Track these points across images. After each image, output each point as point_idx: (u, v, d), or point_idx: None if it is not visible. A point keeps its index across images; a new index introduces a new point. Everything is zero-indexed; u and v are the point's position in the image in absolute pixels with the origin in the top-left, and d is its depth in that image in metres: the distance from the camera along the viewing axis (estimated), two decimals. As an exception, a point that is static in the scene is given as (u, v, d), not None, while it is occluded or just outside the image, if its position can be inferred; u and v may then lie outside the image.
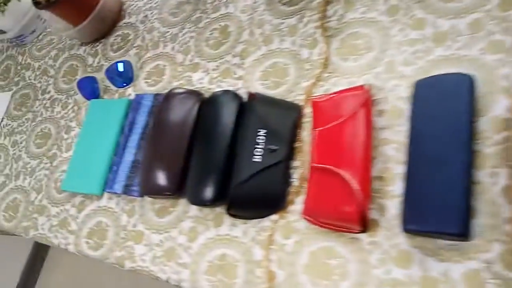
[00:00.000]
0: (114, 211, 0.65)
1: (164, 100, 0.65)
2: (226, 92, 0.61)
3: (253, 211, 0.53)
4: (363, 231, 0.45)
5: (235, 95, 0.59)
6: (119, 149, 0.68)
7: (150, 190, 0.60)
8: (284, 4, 0.66)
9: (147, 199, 0.63)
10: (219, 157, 0.55)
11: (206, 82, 0.67)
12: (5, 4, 0.76)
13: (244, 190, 0.51)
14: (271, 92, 0.60)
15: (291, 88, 0.59)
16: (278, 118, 0.54)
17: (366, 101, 0.48)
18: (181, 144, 0.59)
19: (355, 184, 0.44)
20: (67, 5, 0.77)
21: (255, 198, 0.52)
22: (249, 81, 0.63)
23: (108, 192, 0.66)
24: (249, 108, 0.56)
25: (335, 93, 0.51)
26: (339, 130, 0.48)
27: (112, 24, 0.84)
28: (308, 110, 0.56)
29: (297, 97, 0.58)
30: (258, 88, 0.62)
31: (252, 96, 0.58)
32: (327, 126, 0.48)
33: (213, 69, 0.68)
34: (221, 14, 0.72)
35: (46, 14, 0.83)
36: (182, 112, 0.62)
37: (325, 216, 0.47)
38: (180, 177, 0.58)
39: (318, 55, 0.58)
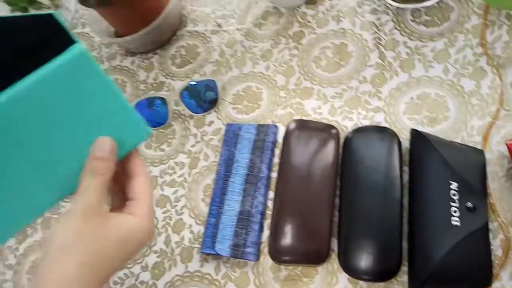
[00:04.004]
0: (214, 278, 0.49)
1: (287, 135, 0.51)
2: (376, 128, 0.49)
3: (450, 290, 0.41)
4: None
5: (390, 133, 0.48)
6: (214, 196, 0.53)
7: (284, 255, 0.45)
8: (420, 23, 0.55)
9: (265, 264, 0.48)
10: (390, 215, 0.42)
11: (325, 112, 0.54)
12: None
13: (447, 265, 0.39)
14: (427, 130, 0.49)
15: (456, 126, 0.48)
16: (466, 166, 0.43)
17: None
18: (325, 195, 0.46)
19: None
20: (128, 7, 0.60)
21: (457, 274, 0.39)
22: (393, 115, 0.51)
23: (205, 253, 0.50)
24: (426, 152, 0.44)
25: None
26: None
27: (171, 32, 0.68)
28: (490, 156, 0.46)
29: (469, 139, 0.47)
30: (408, 124, 0.50)
31: (418, 135, 0.46)
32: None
33: (334, 97, 0.55)
34: (332, 30, 0.60)
35: (90, 14, 0.65)
36: (317, 151, 0.48)
37: None
38: (328, 240, 0.44)
39: (489, 88, 0.49)
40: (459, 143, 0.46)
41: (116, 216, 0.32)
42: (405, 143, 0.49)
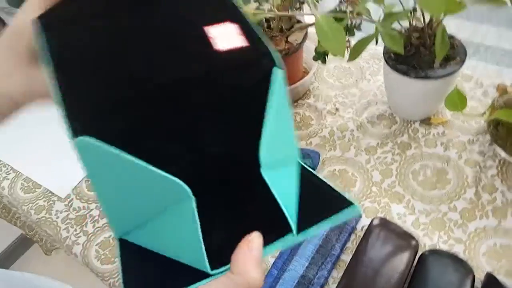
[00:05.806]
0: (257, 326, 0.53)
1: (369, 228, 0.55)
2: (455, 257, 0.51)
3: None
4: None
5: (467, 268, 0.50)
6: (283, 252, 0.57)
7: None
8: (524, 181, 0.59)
9: (307, 333, 0.51)
10: None
11: (409, 222, 0.58)
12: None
13: None
14: (501, 280, 0.51)
15: (532, 288, 0.50)
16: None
17: None
18: (388, 296, 0.49)
19: None
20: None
21: None
22: (472, 251, 0.54)
23: (257, 298, 0.54)
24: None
25: None
26: None
27: (294, 99, 0.78)
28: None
29: (542, 306, 0.48)
30: (485, 266, 0.52)
31: (493, 281, 0.48)
32: None
33: (421, 212, 0.59)
34: (438, 154, 0.65)
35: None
36: (393, 254, 0.52)
37: None
38: (377, 338, 0.47)
39: None
40: (531, 306, 0.47)
41: None
42: (477, 282, 0.51)
